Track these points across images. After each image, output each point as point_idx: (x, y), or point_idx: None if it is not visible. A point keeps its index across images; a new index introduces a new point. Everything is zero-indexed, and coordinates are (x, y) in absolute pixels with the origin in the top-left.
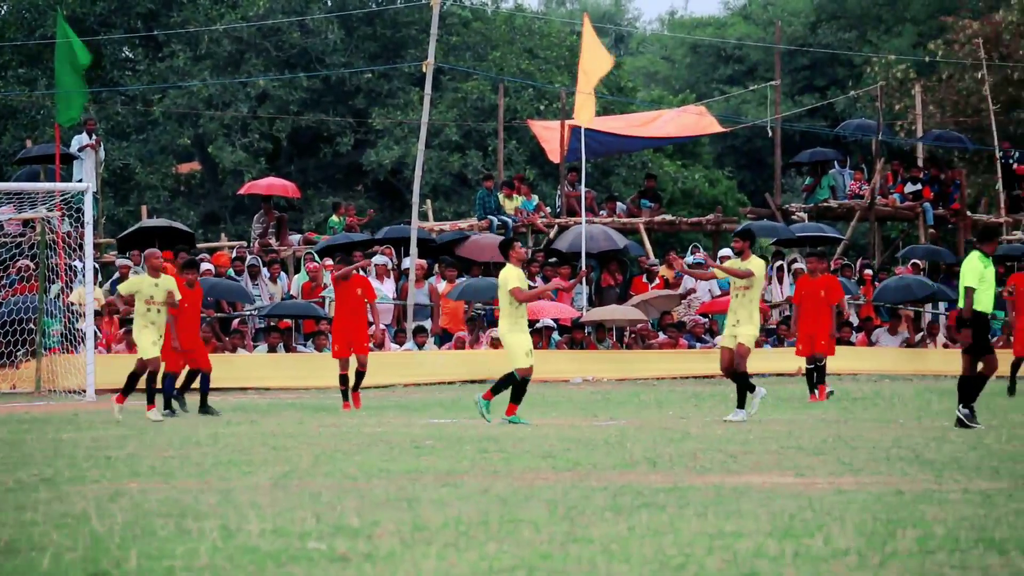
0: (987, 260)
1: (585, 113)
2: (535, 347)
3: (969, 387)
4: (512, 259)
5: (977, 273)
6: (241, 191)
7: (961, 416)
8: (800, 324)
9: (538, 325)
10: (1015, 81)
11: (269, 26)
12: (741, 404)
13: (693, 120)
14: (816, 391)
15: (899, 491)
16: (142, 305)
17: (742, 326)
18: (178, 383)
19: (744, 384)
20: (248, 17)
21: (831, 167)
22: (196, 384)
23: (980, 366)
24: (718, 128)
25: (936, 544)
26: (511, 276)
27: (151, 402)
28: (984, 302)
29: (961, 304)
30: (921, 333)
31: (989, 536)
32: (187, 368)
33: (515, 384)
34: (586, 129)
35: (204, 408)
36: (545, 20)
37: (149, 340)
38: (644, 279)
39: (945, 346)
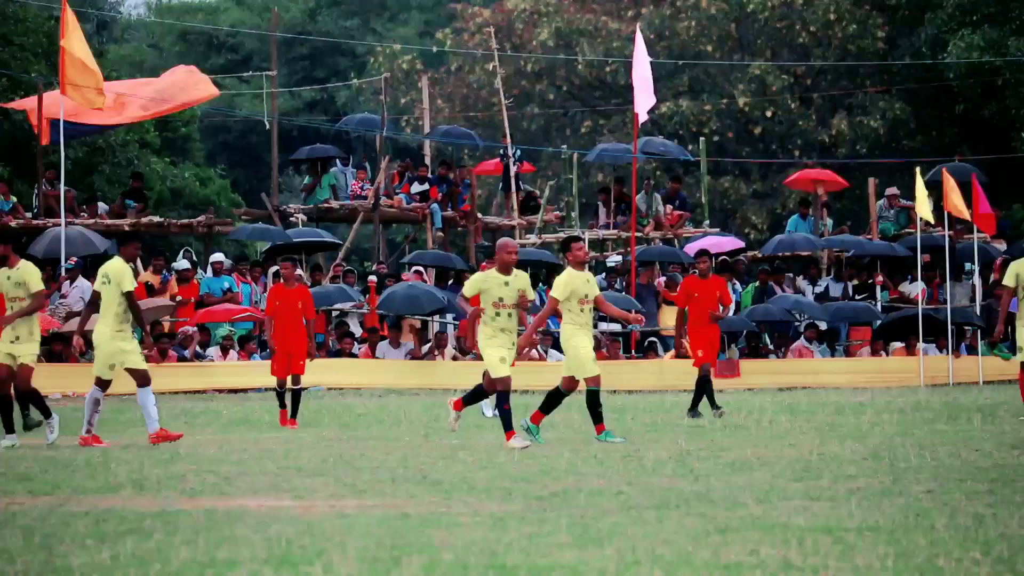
0: None
1: (97, 102)
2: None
3: None
4: (569, 260)
5: None
6: None
7: None
8: (276, 340)
9: None
10: (528, 73)
11: None
12: (9, 429)
13: (182, 80)
14: (294, 415)
15: (405, 514)
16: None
17: (23, 343)
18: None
19: (39, 404)
20: None
21: (332, 165)
22: None
23: None
24: (213, 90)
25: (443, 571)
26: (576, 281)
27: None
28: None
29: None
30: (428, 344)
31: (500, 562)
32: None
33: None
34: (65, 121)
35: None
36: (20, 4)
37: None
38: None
39: (454, 358)
